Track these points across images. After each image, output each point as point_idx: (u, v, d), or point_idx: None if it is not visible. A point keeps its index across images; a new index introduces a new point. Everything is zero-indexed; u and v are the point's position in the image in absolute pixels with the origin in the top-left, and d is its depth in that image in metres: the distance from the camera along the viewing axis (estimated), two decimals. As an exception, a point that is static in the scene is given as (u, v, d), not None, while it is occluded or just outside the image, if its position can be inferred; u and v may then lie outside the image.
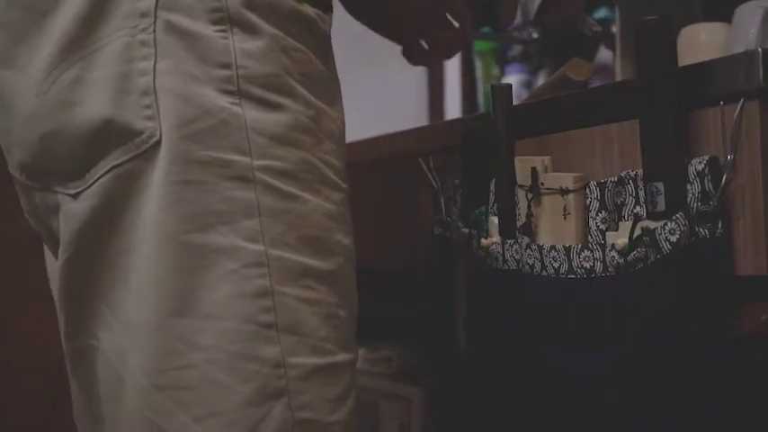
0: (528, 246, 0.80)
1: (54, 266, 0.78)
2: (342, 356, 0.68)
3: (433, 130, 1.16)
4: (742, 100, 0.67)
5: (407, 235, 1.02)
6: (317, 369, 0.65)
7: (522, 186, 0.81)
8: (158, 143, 0.63)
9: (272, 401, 0.63)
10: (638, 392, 0.72)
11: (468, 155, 0.91)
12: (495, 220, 0.86)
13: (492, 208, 0.87)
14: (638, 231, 0.71)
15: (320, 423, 0.65)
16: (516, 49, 1.76)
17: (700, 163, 0.69)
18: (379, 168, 1.12)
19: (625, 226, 0.74)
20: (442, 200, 0.94)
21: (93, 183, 0.64)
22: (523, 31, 1.47)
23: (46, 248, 0.81)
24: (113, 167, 0.64)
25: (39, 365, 1.53)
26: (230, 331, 0.63)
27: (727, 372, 0.67)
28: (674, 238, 0.69)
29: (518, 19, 1.51)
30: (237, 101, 0.64)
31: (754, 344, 0.68)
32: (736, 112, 0.67)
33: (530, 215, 0.80)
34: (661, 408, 0.70)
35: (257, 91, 0.65)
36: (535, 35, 1.39)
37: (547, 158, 0.80)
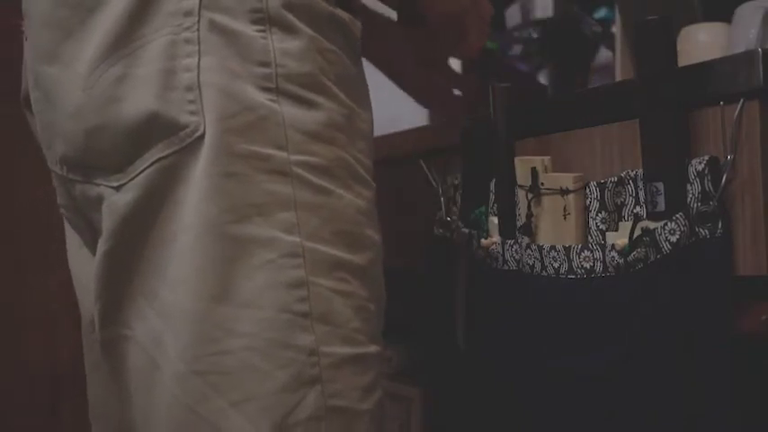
0: (528, 246, 0.80)
1: (78, 259, 0.81)
2: (372, 348, 0.69)
3: (433, 130, 1.15)
4: (742, 100, 0.67)
5: (407, 235, 1.02)
6: (348, 358, 0.67)
7: (522, 186, 0.81)
8: (202, 137, 0.64)
9: (306, 388, 0.65)
10: (638, 392, 0.72)
11: (469, 155, 0.91)
12: (495, 220, 0.86)
13: (492, 208, 0.87)
14: (638, 231, 0.71)
15: (352, 410, 0.67)
16: (516, 49, 1.76)
17: (700, 163, 0.69)
18: (379, 168, 1.12)
19: (625, 226, 0.74)
20: (442, 200, 0.94)
21: (137, 175, 0.66)
22: (523, 31, 1.47)
23: (72, 243, 0.82)
24: (158, 160, 0.65)
25: (40, 366, 1.53)
26: (267, 320, 0.64)
27: (727, 372, 0.67)
28: (674, 239, 0.69)
29: (518, 19, 1.52)
30: (276, 98, 0.66)
31: (754, 344, 0.68)
32: (736, 112, 0.67)
33: (530, 215, 0.80)
34: (661, 408, 0.70)
35: (295, 89, 0.66)
36: (535, 35, 1.39)
37: (547, 158, 0.80)
